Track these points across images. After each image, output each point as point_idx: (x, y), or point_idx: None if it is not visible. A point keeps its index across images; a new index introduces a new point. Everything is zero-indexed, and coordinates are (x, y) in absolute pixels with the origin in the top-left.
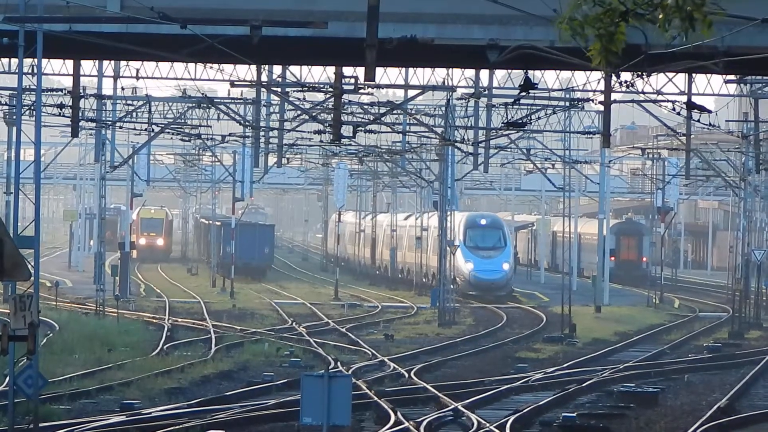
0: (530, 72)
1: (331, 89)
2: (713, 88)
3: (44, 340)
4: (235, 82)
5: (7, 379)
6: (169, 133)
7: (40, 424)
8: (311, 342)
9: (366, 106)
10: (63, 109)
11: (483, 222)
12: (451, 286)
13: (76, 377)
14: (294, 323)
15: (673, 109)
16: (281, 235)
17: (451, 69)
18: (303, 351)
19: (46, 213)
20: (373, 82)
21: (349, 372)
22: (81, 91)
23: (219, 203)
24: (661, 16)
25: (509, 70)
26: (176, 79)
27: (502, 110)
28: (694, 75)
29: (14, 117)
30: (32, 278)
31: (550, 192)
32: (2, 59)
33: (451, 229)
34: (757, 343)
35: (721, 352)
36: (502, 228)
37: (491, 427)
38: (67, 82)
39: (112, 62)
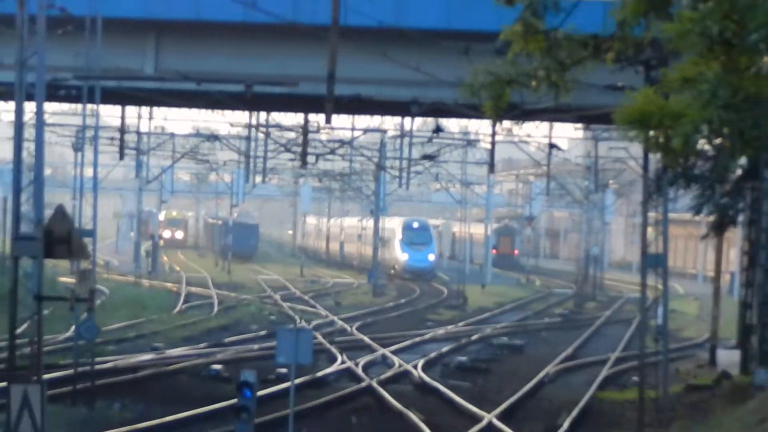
0: (440, 120)
1: (300, 129)
2: (567, 133)
3: (98, 302)
4: (233, 124)
5: (74, 328)
6: (186, 158)
7: (96, 359)
8: (284, 306)
9: (325, 142)
10: (113, 141)
11: (415, 225)
12: (391, 272)
13: (121, 328)
14: (271, 292)
15: (539, 147)
16: (263, 232)
17: (384, 116)
18: (278, 312)
19: (100, 213)
20: (330, 125)
21: (310, 327)
22: (126, 128)
23: (220, 208)
24: (534, 83)
25: (425, 118)
26: (192, 120)
27: (420, 146)
28: (553, 123)
29: (80, 145)
30: (90, 258)
31: (452, 204)
32: (72, 104)
33: (383, 229)
34: (593, 311)
35: (568, 318)
36: (429, 229)
37: (408, 367)
38: (116, 122)
39: (148, 108)
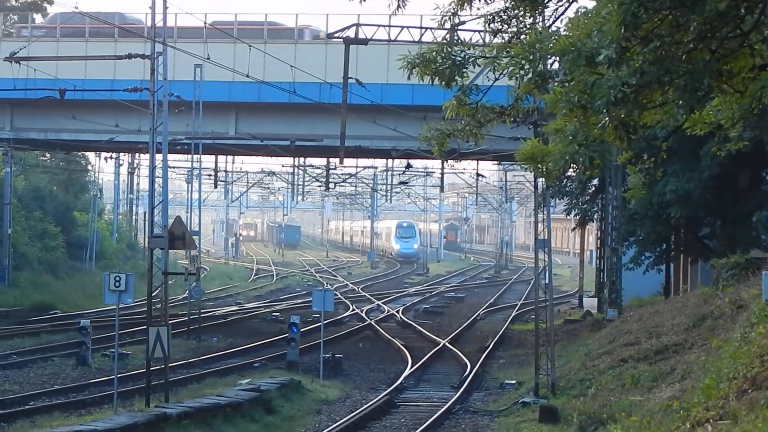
0: (409, 160)
1: (324, 167)
2: (487, 166)
3: (203, 275)
4: (283, 165)
5: (187, 291)
6: (255, 186)
7: (201, 310)
8: (316, 276)
9: (339, 174)
10: (210, 176)
11: (405, 225)
12: (389, 257)
13: (216, 290)
14: (308, 267)
15: (470, 175)
16: (303, 231)
17: (375, 159)
18: (312, 279)
19: (203, 221)
20: (343, 165)
21: (332, 288)
22: (218, 168)
23: (277, 216)
24: (463, 135)
25: (401, 159)
26: (258, 163)
27: (397, 176)
28: (478, 161)
29: (190, 179)
30: (197, 248)
31: (418, 212)
32: (185, 155)
33: (383, 227)
34: (506, 276)
35: (491, 280)
36: (414, 228)
37: (393, 312)
38: (212, 164)
39: (231, 155)
